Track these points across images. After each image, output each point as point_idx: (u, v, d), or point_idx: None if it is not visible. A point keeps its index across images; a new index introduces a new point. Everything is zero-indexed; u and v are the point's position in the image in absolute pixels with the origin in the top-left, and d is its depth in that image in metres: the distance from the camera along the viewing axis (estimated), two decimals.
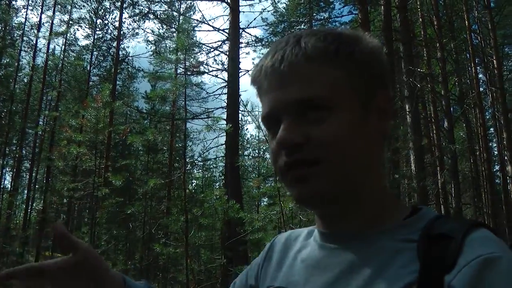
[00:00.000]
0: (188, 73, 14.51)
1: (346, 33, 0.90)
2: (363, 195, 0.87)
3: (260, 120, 0.93)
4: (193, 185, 20.96)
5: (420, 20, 17.94)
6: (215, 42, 21.88)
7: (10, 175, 30.03)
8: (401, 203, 0.94)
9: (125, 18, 27.19)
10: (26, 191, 28.93)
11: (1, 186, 27.85)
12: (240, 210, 9.28)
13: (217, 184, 23.32)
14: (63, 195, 23.62)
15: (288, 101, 0.83)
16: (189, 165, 21.20)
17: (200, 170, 24.66)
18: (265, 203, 19.71)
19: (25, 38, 27.93)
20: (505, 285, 0.69)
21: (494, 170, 24.84)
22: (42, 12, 27.98)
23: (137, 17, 26.79)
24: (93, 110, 15.77)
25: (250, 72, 0.97)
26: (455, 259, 0.73)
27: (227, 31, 19.59)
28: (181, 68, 21.19)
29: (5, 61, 25.82)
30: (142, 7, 25.87)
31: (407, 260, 0.77)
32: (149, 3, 23.96)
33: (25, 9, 27.93)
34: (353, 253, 0.85)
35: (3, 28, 25.05)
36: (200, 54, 21.43)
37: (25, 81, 28.88)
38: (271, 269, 1.02)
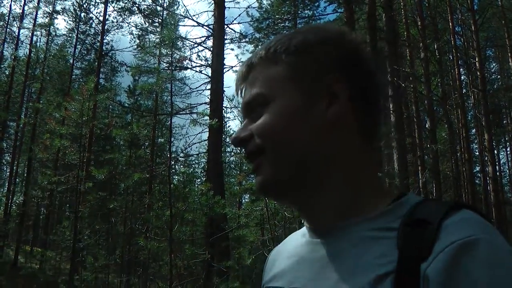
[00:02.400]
0: (172, 68, 14.47)
1: (304, 29, 0.94)
2: (327, 183, 0.86)
3: None
4: (175, 180, 20.85)
5: (404, 20, 18.07)
6: (199, 38, 21.81)
7: None
8: (386, 190, 0.90)
9: (109, 11, 27.00)
10: (6, 184, 28.60)
11: None
12: (225, 206, 9.30)
13: (198, 180, 23.24)
14: (44, 188, 23.43)
15: (244, 103, 0.90)
16: (172, 160, 21.15)
17: (182, 166, 24.55)
18: (246, 200, 19.75)
19: (8, 30, 27.54)
20: (483, 270, 0.66)
21: (475, 170, 25.20)
22: (25, 3, 27.62)
23: (122, 11, 26.61)
24: (77, 103, 15.62)
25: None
26: (431, 246, 0.70)
27: (211, 26, 19.56)
28: (164, 63, 21.21)
29: None
30: (126, 1, 25.74)
31: (386, 250, 0.75)
32: None
33: (8, 0, 27.54)
34: (332, 246, 0.84)
35: None
36: (184, 49, 21.38)
37: (7, 73, 28.49)
38: (269, 279, 1.01)
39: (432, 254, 0.70)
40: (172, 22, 18.00)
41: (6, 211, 26.03)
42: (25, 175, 27.89)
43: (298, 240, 0.97)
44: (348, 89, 0.86)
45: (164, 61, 21.39)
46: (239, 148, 0.89)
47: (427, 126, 16.80)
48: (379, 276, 0.73)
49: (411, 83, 15.90)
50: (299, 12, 23.46)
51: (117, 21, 27.93)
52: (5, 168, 31.64)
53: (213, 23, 19.34)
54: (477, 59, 19.65)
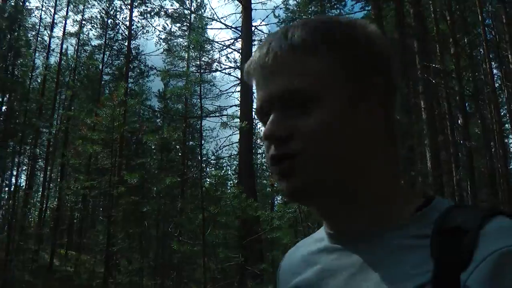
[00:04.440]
0: (201, 71, 14.51)
1: (338, 21, 0.86)
2: (361, 190, 0.82)
3: (255, 114, 0.93)
4: (207, 183, 20.92)
5: (432, 15, 17.79)
6: (228, 40, 21.93)
7: (25, 174, 30.26)
8: (412, 193, 0.86)
9: (135, 16, 27.29)
10: (41, 190, 29.12)
11: (17, 185, 28.03)
12: (257, 208, 9.27)
13: (230, 183, 23.26)
14: (77, 193, 23.78)
15: (273, 95, 0.81)
16: (203, 163, 21.23)
17: (213, 169, 24.65)
18: (279, 201, 19.70)
19: (39, 39, 28.09)
20: None
21: (510, 167, 24.65)
22: (55, 13, 28.13)
23: (148, 15, 26.86)
24: (108, 108, 15.83)
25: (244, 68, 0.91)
26: (471, 255, 0.67)
27: (239, 28, 19.61)
28: (193, 66, 21.35)
29: (20, 61, 25.99)
30: (153, 5, 25.97)
31: (420, 259, 0.72)
32: (160, 1, 24.03)
33: (39, 10, 28.05)
34: (362, 254, 0.81)
35: (18, 29, 25.18)
36: (213, 51, 21.46)
37: (39, 81, 29.06)
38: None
39: (472, 264, 0.66)
40: (200, 25, 18.04)
41: (40, 216, 26.50)
42: (59, 180, 28.29)
43: (315, 246, 0.93)
44: (383, 94, 0.83)
45: (193, 64, 21.53)
46: (273, 145, 0.82)
47: (459, 122, 16.53)
48: (417, 286, 0.69)
49: (442, 79, 15.62)
50: (326, 11, 23.33)
51: (142, 26, 28.22)
52: (39, 174, 32.16)
53: (240, 25, 19.40)
54: (509, 52, 19.23)
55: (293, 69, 0.80)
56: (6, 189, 27.35)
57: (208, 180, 20.64)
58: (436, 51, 17.79)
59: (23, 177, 31.73)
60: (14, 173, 28.17)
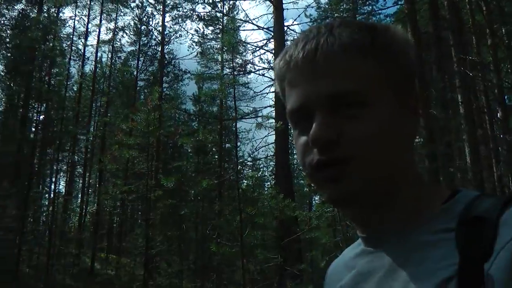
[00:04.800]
0: (235, 73, 14.53)
1: (378, 25, 0.84)
2: (398, 193, 0.81)
3: (287, 114, 0.87)
4: (244, 185, 20.98)
5: (468, 6, 17.43)
6: (260, 41, 21.97)
7: (64, 181, 30.90)
8: (437, 188, 0.85)
9: (167, 21, 27.59)
10: (80, 195, 29.69)
11: (56, 191, 28.65)
12: (295, 208, 9.23)
13: (267, 184, 23.29)
14: (116, 197, 24.17)
15: (321, 94, 0.77)
16: (239, 165, 21.30)
17: (250, 170, 24.74)
18: (316, 201, 19.61)
19: (73, 48, 28.67)
20: None
21: None
22: (88, 22, 28.68)
23: (179, 19, 27.12)
24: (143, 113, 16.02)
25: (274, 64, 0.88)
26: (492, 243, 0.66)
27: (271, 29, 19.61)
28: (227, 68, 21.45)
29: (55, 71, 26.57)
30: (184, 9, 26.19)
31: (446, 252, 0.71)
32: (192, 5, 24.21)
33: (73, 20, 28.65)
34: (391, 255, 0.80)
35: (52, 39, 25.73)
36: (246, 53, 21.51)
37: (75, 89, 29.68)
38: None
39: (494, 253, 0.65)
40: (232, 27, 18.10)
41: (80, 221, 27.03)
42: (97, 186, 28.80)
43: (354, 250, 0.93)
44: (419, 97, 0.85)
45: (227, 66, 21.64)
46: (319, 148, 0.79)
47: (498, 116, 16.16)
48: (444, 280, 0.68)
49: (479, 71, 15.29)
50: (358, 8, 23.12)
51: (175, 31, 28.50)
52: (78, 180, 32.79)
53: (272, 25, 19.39)
54: None
55: (344, 70, 0.78)
56: (46, 195, 27.96)
57: (245, 182, 20.75)
58: (472, 43, 17.41)
59: (62, 183, 32.47)
60: (54, 180, 28.74)
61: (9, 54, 27.06)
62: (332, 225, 11.05)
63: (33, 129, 26.38)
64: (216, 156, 26.53)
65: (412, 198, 0.82)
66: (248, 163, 23.63)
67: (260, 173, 24.23)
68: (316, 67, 0.78)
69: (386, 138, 0.77)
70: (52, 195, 27.59)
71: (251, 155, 21.55)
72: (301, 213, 9.12)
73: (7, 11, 28.18)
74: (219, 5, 24.55)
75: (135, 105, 19.27)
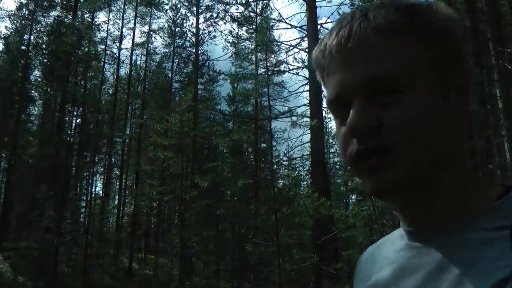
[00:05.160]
0: (269, 73, 14.46)
1: (418, 3, 0.78)
2: (445, 183, 0.76)
3: (326, 104, 0.83)
4: (280, 184, 20.87)
5: None
6: (294, 40, 21.88)
7: (101, 182, 31.40)
8: (491, 184, 0.79)
9: (201, 22, 27.74)
10: (117, 197, 30.14)
11: (92, 193, 29.13)
12: (331, 207, 9.13)
13: (303, 183, 23.17)
14: (152, 198, 24.42)
15: (358, 81, 0.73)
16: (275, 165, 21.23)
17: (285, 169, 24.67)
18: (353, 200, 19.40)
19: (108, 52, 29.08)
20: None
21: None
22: (123, 25, 29.06)
23: (213, 21, 27.24)
24: (177, 114, 16.13)
25: (312, 54, 0.84)
26: None
27: (305, 27, 19.50)
28: (261, 68, 21.47)
29: (91, 74, 27.01)
30: (218, 11, 26.29)
31: (499, 252, 0.65)
32: (225, 6, 24.28)
33: (107, 24, 29.08)
34: (439, 251, 0.74)
35: (87, 43, 26.16)
36: (280, 53, 21.44)
37: (110, 92, 30.12)
38: (359, 285, 0.94)
39: None
40: (266, 27, 18.03)
41: (118, 222, 27.41)
42: (134, 187, 29.17)
43: (396, 243, 0.87)
44: (470, 83, 0.78)
45: (262, 66, 21.67)
46: (358, 138, 0.74)
47: None
48: (500, 281, 0.62)
49: None
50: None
51: (208, 32, 28.63)
52: (115, 182, 33.29)
53: (306, 23, 19.28)
54: None
55: (380, 53, 0.73)
56: (84, 197, 28.42)
57: (281, 181, 20.69)
58: (511, 36, 16.98)
59: (100, 185, 32.99)
60: (91, 182, 29.23)
61: (45, 60, 27.68)
62: (369, 224, 10.89)
63: (70, 132, 26.86)
64: (252, 156, 26.54)
65: (460, 190, 0.76)
66: (283, 162, 23.55)
67: (296, 172, 24.12)
68: (351, 54, 0.74)
69: (429, 123, 0.72)
70: (89, 197, 28.04)
71: (287, 155, 21.46)
72: (336, 212, 9.01)
73: (43, 18, 28.89)
74: (252, 4, 24.54)
75: (169, 107, 19.42)
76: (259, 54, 15.61)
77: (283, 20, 19.70)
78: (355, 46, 0.74)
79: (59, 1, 28.77)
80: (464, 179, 0.77)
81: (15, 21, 29.41)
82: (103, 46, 28.70)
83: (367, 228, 12.07)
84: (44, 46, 28.22)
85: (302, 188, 15.94)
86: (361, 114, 0.72)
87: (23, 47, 28.08)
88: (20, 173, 27.97)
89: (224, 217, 18.44)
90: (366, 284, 0.89)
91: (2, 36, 29.61)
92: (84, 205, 27.10)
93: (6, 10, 29.90)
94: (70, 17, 26.20)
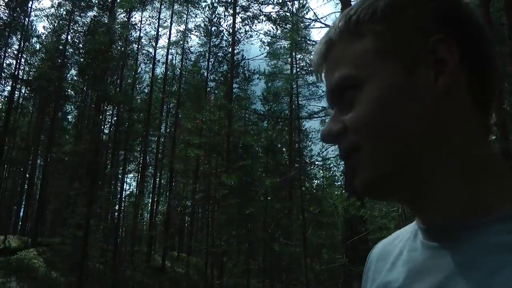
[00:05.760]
0: (304, 72, 14.28)
1: None
2: (441, 173, 0.67)
3: None
4: (313, 184, 20.57)
5: None
6: None
7: (135, 181, 31.79)
8: None
9: (238, 22, 27.82)
10: (151, 195, 30.44)
11: (127, 191, 29.55)
12: (361, 207, 8.90)
13: (338, 183, 22.99)
14: (185, 197, 24.58)
15: (328, 92, 0.74)
16: (308, 165, 21.07)
17: (319, 169, 24.50)
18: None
19: (144, 51, 29.46)
20: None
21: None
22: (159, 25, 29.36)
23: (249, 20, 27.27)
24: (210, 113, 16.15)
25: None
26: None
27: None
28: (298, 68, 21.33)
29: (126, 73, 27.38)
30: (254, 10, 26.30)
31: None
32: (260, 5, 24.25)
33: (143, 23, 29.48)
34: (457, 253, 0.66)
35: (123, 43, 26.51)
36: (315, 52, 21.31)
37: (146, 91, 30.48)
38: (369, 283, 0.86)
39: None
40: (302, 27, 17.85)
41: (151, 220, 27.68)
42: (168, 185, 29.40)
43: (411, 240, 0.78)
44: (458, 52, 0.67)
45: (297, 66, 21.50)
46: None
47: None
48: None
49: None
50: None
51: (245, 31, 28.67)
52: (149, 180, 33.60)
53: None
54: None
55: (342, 57, 0.72)
56: (118, 196, 28.82)
57: (316, 181, 20.53)
58: None
59: (134, 183, 33.40)
60: (125, 180, 29.64)
61: (81, 59, 28.21)
62: (400, 225, 10.60)
63: (105, 130, 27.28)
64: (286, 156, 26.44)
65: (469, 185, 0.67)
66: (317, 162, 23.33)
67: (330, 172, 23.95)
68: (323, 62, 0.76)
69: (388, 116, 0.67)
70: (123, 195, 28.42)
71: (321, 154, 21.27)
72: (365, 212, 8.77)
73: (80, 18, 29.50)
74: (289, 4, 24.46)
75: (201, 105, 19.48)
76: (294, 54, 15.45)
77: (318, 20, 19.46)
78: (324, 54, 0.74)
79: (96, 1, 29.32)
80: (476, 173, 0.67)
81: (52, 21, 30.14)
82: (139, 46, 29.14)
83: (398, 229, 11.78)
84: (80, 45, 28.76)
85: (337, 189, 15.68)
86: (329, 122, 0.73)
87: (60, 47, 28.71)
88: (56, 170, 28.59)
89: (255, 216, 18.37)
90: (376, 283, 0.83)
91: (40, 35, 30.46)
92: (117, 202, 27.47)
93: (44, 10, 30.64)
94: (107, 16, 26.60)
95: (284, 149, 27.39)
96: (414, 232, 0.79)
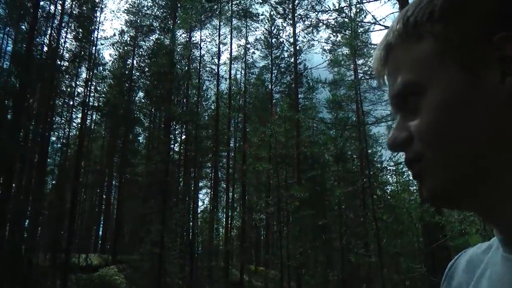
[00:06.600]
0: (367, 77, 13.98)
1: None
2: (510, 181, 0.61)
3: None
4: (387, 190, 19.99)
5: None
6: None
7: (208, 196, 32.21)
8: None
9: (298, 31, 27.79)
10: (225, 210, 30.74)
11: (201, 206, 29.96)
12: (435, 213, 8.50)
13: (412, 188, 22.34)
14: (259, 210, 24.64)
15: (391, 99, 0.71)
16: (379, 171, 20.60)
17: (392, 175, 23.90)
18: None
19: (207, 68, 29.98)
20: None
21: None
22: (219, 42, 29.78)
23: (309, 30, 27.18)
24: (276, 126, 16.11)
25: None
26: None
27: None
28: (361, 73, 20.99)
29: (191, 92, 27.93)
30: (312, 19, 26.20)
31: None
32: (317, 14, 24.11)
33: (204, 42, 30.02)
34: None
35: (186, 62, 27.07)
36: None
37: (212, 107, 30.94)
38: None
39: None
40: (361, 31, 17.59)
41: (226, 234, 27.93)
42: (241, 200, 29.58)
43: (494, 253, 0.73)
44: None
45: (360, 71, 21.20)
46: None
47: None
48: None
49: None
50: None
51: (308, 41, 28.60)
52: (222, 196, 33.93)
53: None
54: None
55: (401, 62, 0.68)
56: (192, 212, 29.28)
57: (389, 187, 19.98)
58: None
59: (207, 199, 33.83)
60: (197, 196, 30.06)
61: (147, 82, 29.08)
62: (482, 230, 10.12)
63: (175, 149, 27.86)
64: (357, 163, 26.04)
65: None
66: (389, 167, 22.78)
67: (403, 177, 23.34)
68: (383, 67, 0.72)
69: (454, 123, 0.62)
70: (197, 211, 28.83)
71: (392, 159, 20.76)
72: (440, 218, 8.36)
73: (143, 42, 30.47)
74: (346, 10, 24.20)
75: (269, 118, 19.50)
76: (357, 60, 15.16)
77: (377, 22, 19.09)
78: (384, 59, 0.72)
79: (157, 25, 30.19)
80: None
81: (118, 48, 31.31)
82: (202, 63, 29.67)
83: (480, 234, 11.21)
84: (145, 68, 29.69)
85: (407, 194, 15.19)
86: (393, 131, 0.70)
87: (126, 72, 29.79)
88: (130, 191, 29.51)
89: (330, 226, 18.11)
90: None
91: (106, 63, 31.72)
92: (192, 219, 27.91)
93: (109, 39, 31.91)
94: (168, 38, 27.27)
95: (354, 156, 26.99)
96: (497, 244, 0.74)
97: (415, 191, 20.31)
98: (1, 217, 20.41)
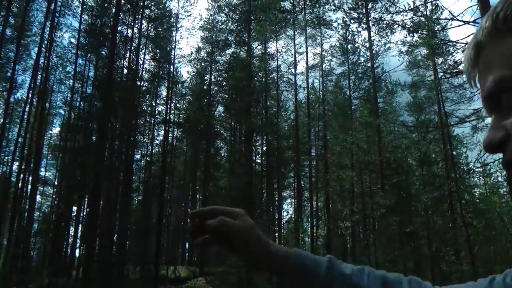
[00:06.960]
0: (448, 76, 13.48)
1: None
2: None
3: None
4: (475, 193, 19.11)
5: None
6: (469, 36, 20.40)
7: (292, 206, 32.23)
8: None
9: (373, 35, 27.38)
10: (309, 219, 30.63)
11: (285, 217, 29.98)
12: None
13: (503, 191, 21.22)
14: (344, 218, 24.30)
15: (483, 98, 0.67)
16: (465, 173, 19.76)
17: (480, 177, 22.83)
18: None
19: (284, 78, 30.12)
20: None
21: None
22: (295, 51, 29.86)
23: (385, 32, 26.70)
24: (356, 132, 15.90)
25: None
26: None
27: (479, 21, 18.08)
28: (440, 72, 20.30)
29: (270, 103, 28.15)
30: (387, 21, 25.70)
31: None
32: (392, 15, 23.61)
33: (280, 52, 30.19)
34: None
35: (263, 74, 27.31)
36: (456, 53, 20.14)
37: (292, 117, 31.01)
38: None
39: None
40: (439, 29, 17.00)
41: (312, 244, 27.76)
42: (325, 208, 29.35)
43: None
44: None
45: (440, 70, 20.55)
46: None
47: None
48: None
49: None
50: None
51: (384, 44, 28.12)
52: (306, 205, 33.80)
53: (479, 16, 17.88)
54: None
55: (493, 59, 0.65)
56: (277, 222, 29.34)
57: (477, 190, 19.08)
58: None
59: (291, 209, 33.79)
60: (281, 206, 30.11)
61: (226, 96, 29.59)
62: None
63: (257, 160, 28.11)
64: (442, 166, 25.17)
65: None
66: (476, 169, 21.82)
67: (491, 179, 22.21)
68: (474, 67, 0.70)
69: None
70: (282, 222, 28.89)
71: (479, 160, 19.84)
72: None
73: (220, 57, 31.06)
74: (421, 8, 23.53)
75: (347, 125, 19.28)
76: (434, 59, 14.68)
77: (455, 18, 18.38)
78: (474, 58, 0.69)
79: (233, 38, 30.70)
80: None
81: (195, 65, 32.13)
82: (278, 74, 29.87)
83: None
84: (223, 83, 30.26)
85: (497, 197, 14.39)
86: (490, 130, 0.66)
87: (204, 87, 30.51)
88: (214, 204, 30.08)
89: (418, 232, 17.53)
90: None
91: (185, 80, 32.67)
92: (277, 229, 27.98)
93: (186, 57, 32.80)
94: (244, 51, 27.65)
95: (438, 159, 26.10)
96: None
97: (505, 193, 19.31)
98: (91, 233, 21.41)
